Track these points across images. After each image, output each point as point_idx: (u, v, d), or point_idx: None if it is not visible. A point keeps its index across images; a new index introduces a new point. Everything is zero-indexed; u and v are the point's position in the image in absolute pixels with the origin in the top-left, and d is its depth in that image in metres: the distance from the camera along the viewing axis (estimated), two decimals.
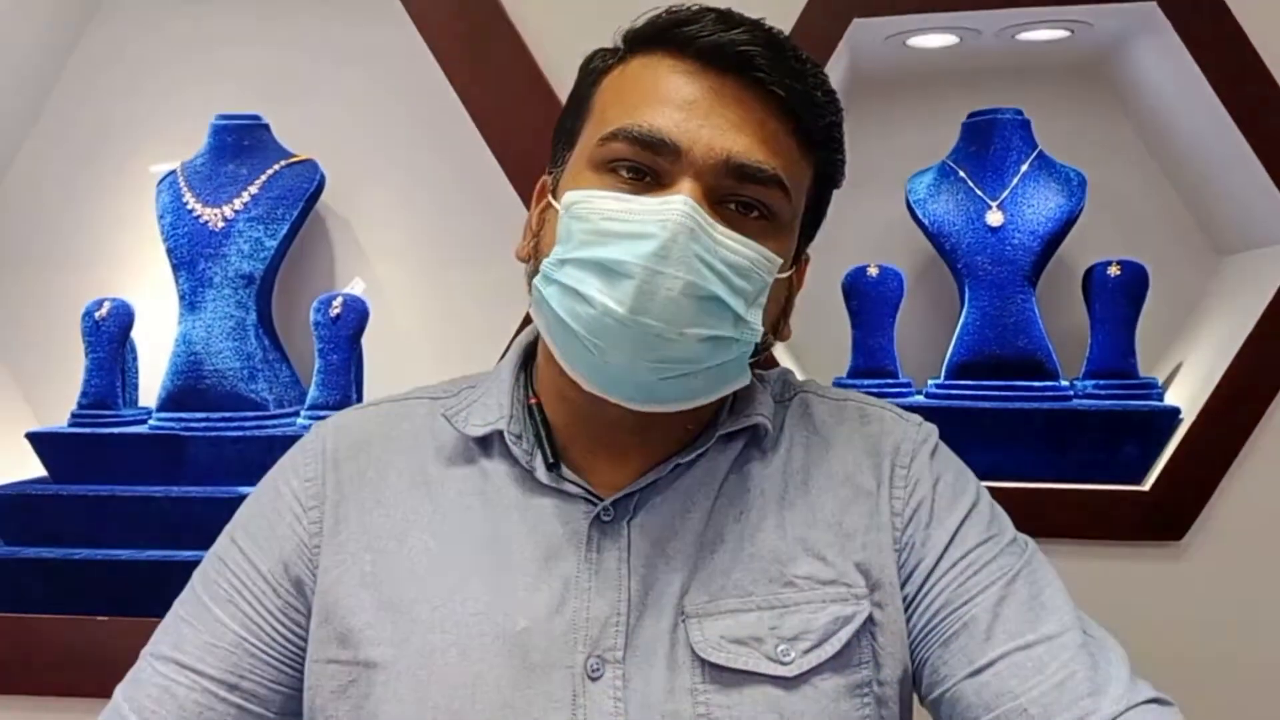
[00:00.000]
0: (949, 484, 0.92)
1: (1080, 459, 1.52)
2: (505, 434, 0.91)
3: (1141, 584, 1.46)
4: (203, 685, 0.89)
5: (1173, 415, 1.50)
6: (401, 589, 0.88)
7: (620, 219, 0.82)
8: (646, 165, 0.84)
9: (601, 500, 0.88)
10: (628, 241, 0.81)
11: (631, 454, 0.90)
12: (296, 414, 1.69)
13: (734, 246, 0.83)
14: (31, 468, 1.73)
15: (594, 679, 0.84)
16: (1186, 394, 1.53)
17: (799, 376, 1.03)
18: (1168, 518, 1.46)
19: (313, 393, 1.69)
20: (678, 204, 0.81)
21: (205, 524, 1.64)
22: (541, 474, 0.90)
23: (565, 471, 0.90)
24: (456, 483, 0.92)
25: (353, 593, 0.89)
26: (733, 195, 0.84)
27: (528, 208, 0.96)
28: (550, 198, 0.90)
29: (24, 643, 1.56)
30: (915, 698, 0.90)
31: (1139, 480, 1.50)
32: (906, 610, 0.88)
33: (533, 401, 0.93)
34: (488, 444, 0.93)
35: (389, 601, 0.88)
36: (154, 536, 1.61)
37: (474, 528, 0.89)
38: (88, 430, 1.69)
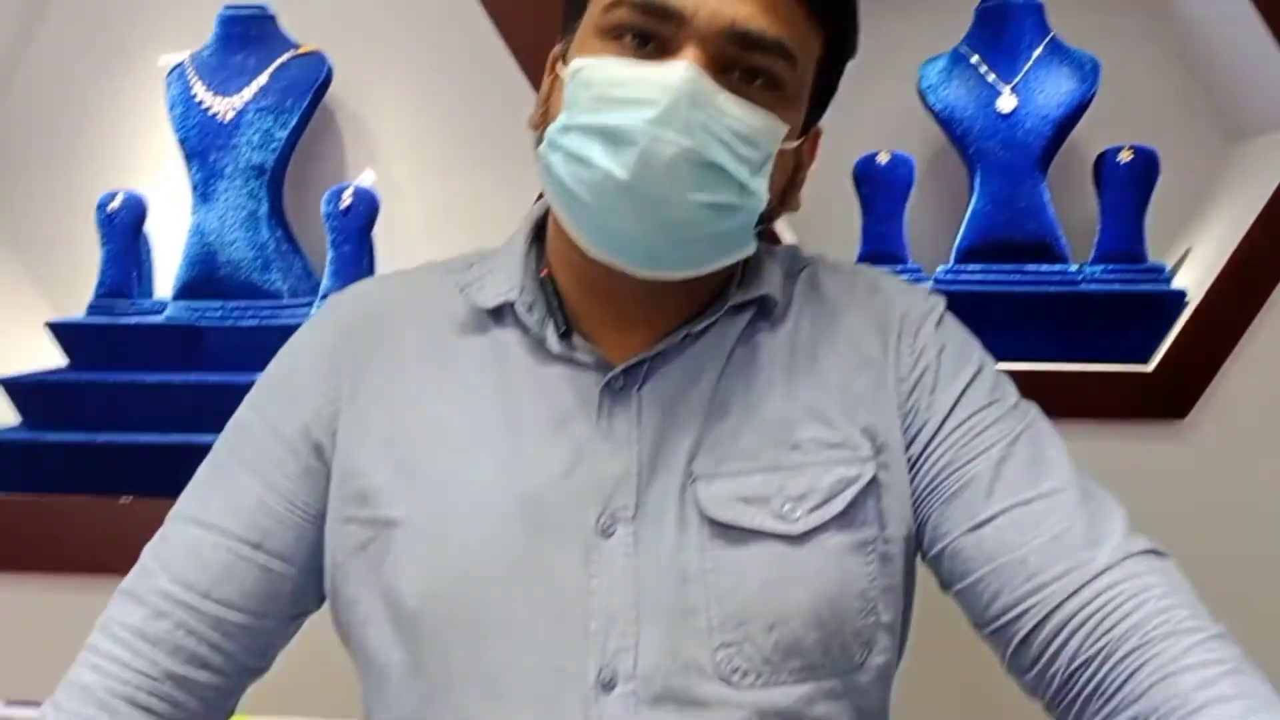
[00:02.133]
0: (954, 351, 0.93)
1: (1087, 342, 1.54)
2: (517, 305, 0.92)
3: (1144, 463, 1.48)
4: (227, 544, 0.92)
5: (1179, 298, 1.51)
6: (417, 452, 0.90)
7: (623, 85, 0.83)
8: (651, 32, 0.84)
9: (612, 368, 0.90)
10: (630, 108, 0.82)
11: (641, 324, 0.92)
12: (310, 304, 1.71)
13: (737, 114, 0.83)
14: (51, 358, 1.76)
15: (606, 537, 0.87)
16: (1193, 278, 1.53)
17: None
18: (1171, 397, 1.48)
19: (325, 283, 1.71)
20: (680, 70, 0.81)
21: (223, 409, 1.67)
22: (553, 343, 0.91)
23: (577, 340, 0.91)
24: (470, 352, 0.94)
25: (370, 455, 0.91)
26: (737, 63, 0.84)
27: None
28: (559, 66, 0.90)
29: (51, 523, 1.60)
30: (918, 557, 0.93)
31: (1145, 362, 1.52)
32: (910, 471, 0.90)
33: (544, 274, 0.95)
34: (500, 315, 0.94)
35: (405, 464, 0.90)
36: (173, 421, 1.64)
37: (487, 395, 0.91)
38: (105, 320, 1.72)
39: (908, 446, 0.90)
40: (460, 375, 0.93)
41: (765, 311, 0.94)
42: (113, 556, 1.62)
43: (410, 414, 0.92)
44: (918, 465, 0.90)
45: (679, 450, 0.88)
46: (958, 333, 0.96)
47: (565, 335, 0.91)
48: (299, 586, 0.94)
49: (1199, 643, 0.79)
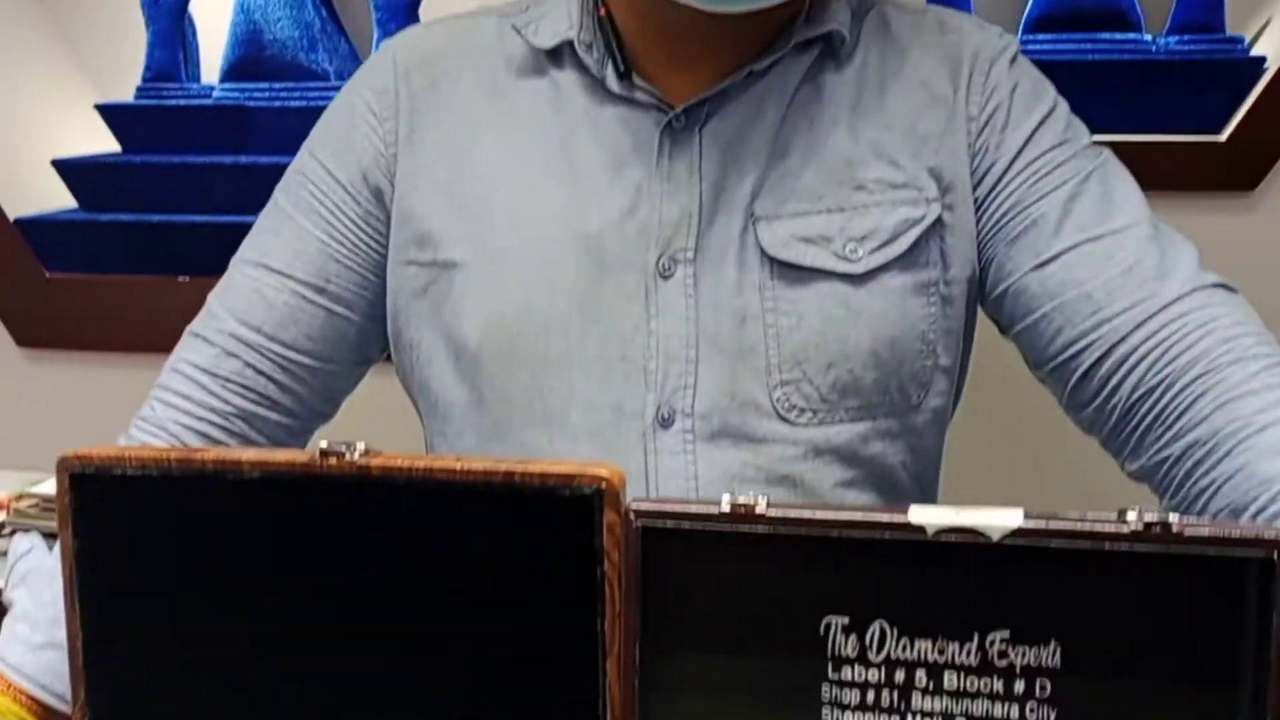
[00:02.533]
0: (1026, 90, 0.90)
1: (1160, 112, 1.48)
2: (575, 43, 0.90)
3: (1213, 235, 1.44)
4: (291, 288, 0.92)
5: (1257, 64, 1.45)
6: (476, 193, 0.89)
7: None
8: None
9: (672, 109, 0.88)
10: None
11: (702, 62, 0.89)
12: None
13: None
14: (101, 141, 1.75)
15: (665, 278, 0.86)
16: (1273, 46, 1.47)
17: None
18: (1242, 168, 1.44)
19: None
20: None
21: (273, 191, 1.66)
22: (612, 83, 0.89)
23: (636, 80, 0.89)
24: (527, 94, 0.92)
25: (429, 198, 0.90)
26: None
27: None
28: None
29: (111, 302, 1.62)
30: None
31: (1218, 132, 1.47)
32: (977, 211, 0.88)
33: (602, 13, 0.91)
34: (558, 56, 0.92)
35: (464, 205, 0.89)
36: (224, 203, 1.64)
37: (546, 136, 0.90)
38: (154, 102, 1.70)
39: (975, 186, 0.88)
40: (518, 117, 0.91)
41: (831, 50, 0.91)
42: (171, 335, 1.66)
43: (468, 156, 0.91)
44: (985, 205, 0.88)
45: (740, 191, 0.87)
46: (1031, 71, 0.92)
47: (624, 75, 0.89)
48: (362, 331, 0.95)
49: (1265, 368, 0.78)
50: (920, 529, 0.59)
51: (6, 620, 0.88)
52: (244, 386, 0.92)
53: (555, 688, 0.64)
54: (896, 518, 0.59)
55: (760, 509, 0.60)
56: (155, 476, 0.65)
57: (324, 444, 0.64)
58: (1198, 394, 0.78)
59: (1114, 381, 0.82)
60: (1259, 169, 1.44)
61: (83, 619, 0.68)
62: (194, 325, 0.95)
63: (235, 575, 0.67)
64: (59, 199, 1.73)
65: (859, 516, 0.60)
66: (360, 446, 0.64)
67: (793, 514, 0.61)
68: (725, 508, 0.60)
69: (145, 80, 1.72)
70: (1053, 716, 0.60)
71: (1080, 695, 0.60)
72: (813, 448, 0.85)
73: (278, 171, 1.63)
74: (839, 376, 0.85)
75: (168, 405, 0.92)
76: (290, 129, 1.65)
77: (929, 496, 0.92)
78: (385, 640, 0.67)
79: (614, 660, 0.63)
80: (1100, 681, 0.59)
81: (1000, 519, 0.58)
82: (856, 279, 0.85)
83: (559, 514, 0.62)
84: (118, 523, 0.67)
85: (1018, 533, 0.58)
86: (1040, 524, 0.58)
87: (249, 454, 0.65)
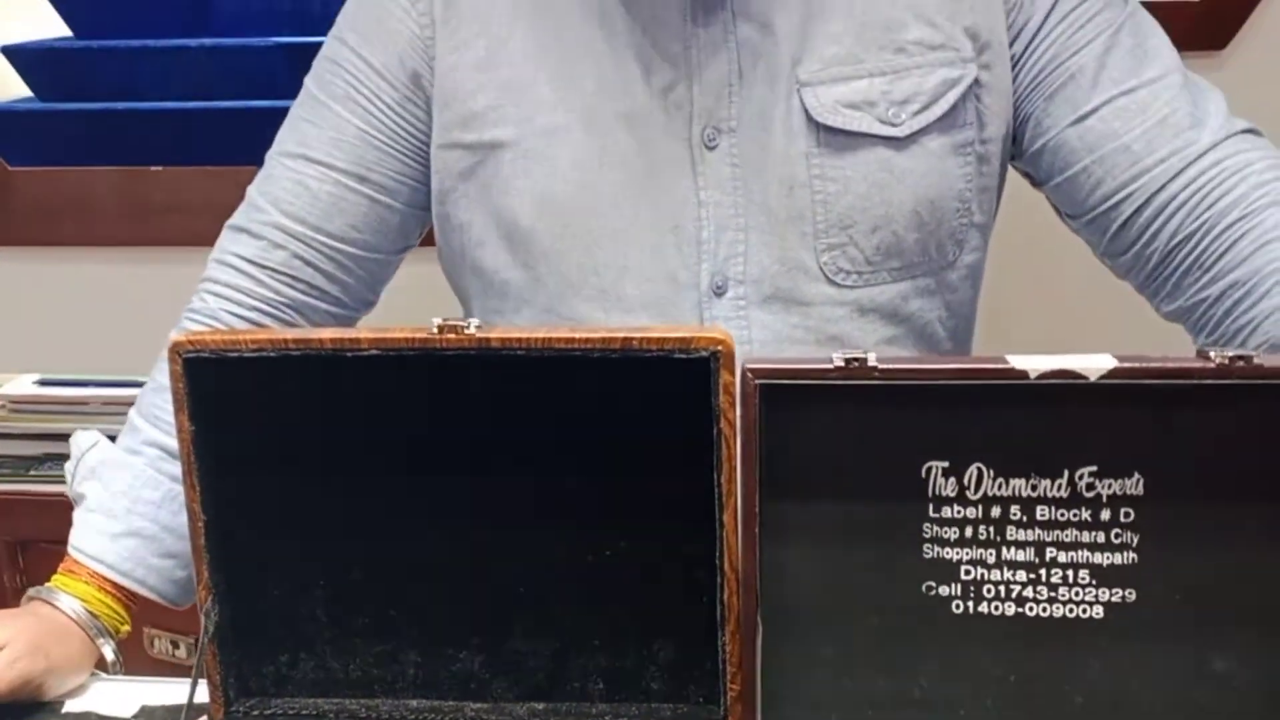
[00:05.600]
0: None
1: None
2: None
3: None
4: (333, 177, 0.92)
5: None
6: (518, 71, 0.90)
7: None
8: None
9: None
10: None
11: None
12: None
13: None
14: (52, 26, 1.68)
15: (710, 148, 0.88)
16: None
17: None
18: (1212, 27, 1.48)
19: None
20: None
21: (238, 74, 1.63)
22: None
23: None
24: None
25: (470, 77, 0.90)
26: None
27: None
28: None
29: (79, 195, 1.58)
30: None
31: None
32: (1014, 69, 0.90)
33: None
34: None
35: (507, 83, 0.90)
36: (187, 88, 1.60)
37: (581, 12, 0.90)
38: None
39: (1011, 43, 0.90)
40: None
41: None
42: (145, 227, 1.63)
43: (505, 33, 0.90)
44: (1021, 62, 0.90)
45: (781, 58, 0.88)
46: None
47: None
48: (405, 219, 0.96)
49: None
50: (1023, 373, 0.63)
51: (79, 513, 0.89)
52: (293, 277, 0.93)
53: (676, 542, 0.69)
54: (999, 365, 0.64)
55: (872, 362, 0.64)
56: (273, 357, 0.67)
57: (439, 320, 0.66)
58: (1236, 237, 0.83)
59: (1154, 229, 0.86)
60: (1229, 28, 1.49)
61: (203, 501, 0.70)
62: (236, 219, 0.95)
63: (354, 453, 0.70)
64: (10, 88, 1.67)
65: (964, 365, 0.64)
66: (475, 321, 0.66)
67: (901, 365, 0.65)
68: (839, 362, 0.64)
69: None
70: (1135, 540, 0.66)
71: (1161, 520, 0.66)
72: (858, 308, 0.89)
73: (243, 54, 1.61)
74: (883, 239, 0.88)
75: (219, 297, 0.92)
76: (251, 11, 1.61)
77: (964, 350, 0.97)
78: (506, 511, 0.70)
79: (730, 512, 0.67)
80: (1179, 506, 0.65)
81: (1095, 361, 0.63)
82: (900, 142, 0.88)
83: (676, 377, 0.66)
84: (234, 405, 0.69)
85: (1112, 373, 0.63)
86: (1132, 364, 0.63)
87: (366, 332, 0.67)
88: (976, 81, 0.89)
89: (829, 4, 0.89)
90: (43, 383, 1.63)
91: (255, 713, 0.73)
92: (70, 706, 0.78)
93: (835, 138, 0.88)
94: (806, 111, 0.87)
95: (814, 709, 0.69)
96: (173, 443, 0.89)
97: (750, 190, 0.88)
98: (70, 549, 0.88)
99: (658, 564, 0.69)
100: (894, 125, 0.88)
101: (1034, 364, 0.63)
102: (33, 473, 1.60)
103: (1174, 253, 0.86)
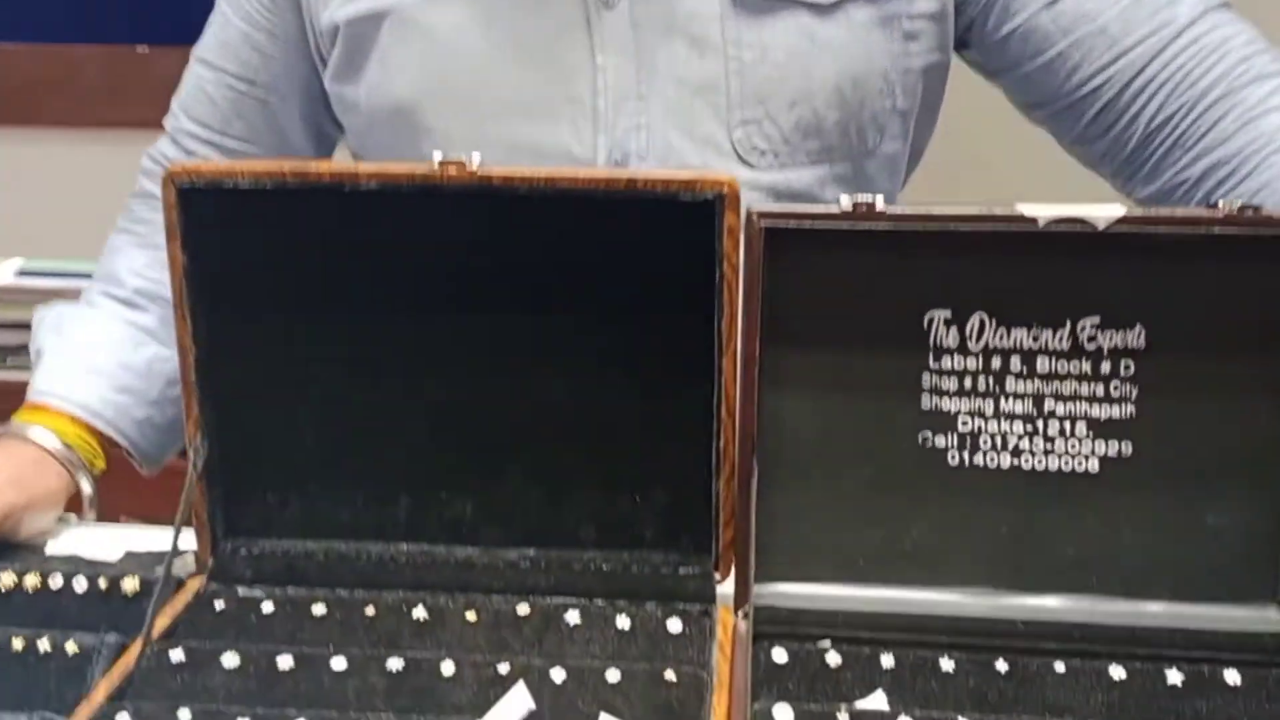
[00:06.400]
0: None
1: None
2: None
3: None
4: (226, 81, 0.93)
5: None
6: None
7: None
8: None
9: None
10: None
11: None
12: None
13: None
14: None
15: (609, 7, 0.82)
16: None
17: None
18: None
19: None
20: None
21: None
22: None
23: None
24: None
25: None
26: None
27: None
28: None
29: (63, 74, 1.55)
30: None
31: None
32: None
33: None
34: None
35: None
36: None
37: None
38: None
39: None
40: None
41: None
42: (128, 107, 1.60)
43: None
44: None
45: None
46: None
47: None
48: (306, 115, 0.95)
49: None
50: (1031, 220, 0.63)
51: (41, 362, 0.88)
52: None
53: (675, 388, 0.68)
54: (1008, 210, 0.63)
55: (880, 206, 0.63)
56: (269, 189, 0.65)
57: (440, 154, 0.65)
58: (1219, 115, 0.82)
59: (1133, 111, 0.84)
60: None
61: (194, 335, 0.69)
62: (165, 119, 0.96)
63: (350, 291, 0.69)
64: None
65: (972, 210, 0.63)
66: (477, 157, 0.65)
67: (909, 211, 0.64)
68: (846, 206, 0.63)
69: None
70: (1135, 393, 0.66)
71: (1161, 373, 0.65)
72: (773, 193, 0.85)
73: None
74: (802, 115, 0.84)
75: (150, 196, 0.93)
76: None
77: None
78: (503, 353, 0.69)
79: (730, 357, 0.66)
80: (1179, 359, 0.65)
81: (1104, 210, 0.62)
82: (823, 9, 0.83)
83: (680, 218, 0.65)
84: (229, 238, 0.67)
85: (1121, 220, 0.62)
86: (1142, 212, 0.63)
87: (366, 166, 0.66)
88: None
89: None
90: (22, 273, 1.60)
91: (242, 552, 0.72)
92: (53, 549, 0.77)
93: (752, 1, 0.82)
94: None
95: (804, 558, 0.69)
96: (128, 294, 0.91)
97: (655, 55, 0.83)
98: (32, 393, 0.86)
99: (655, 409, 0.69)
100: None
101: (1043, 211, 0.63)
102: (9, 361, 1.59)
103: (1154, 134, 0.84)
